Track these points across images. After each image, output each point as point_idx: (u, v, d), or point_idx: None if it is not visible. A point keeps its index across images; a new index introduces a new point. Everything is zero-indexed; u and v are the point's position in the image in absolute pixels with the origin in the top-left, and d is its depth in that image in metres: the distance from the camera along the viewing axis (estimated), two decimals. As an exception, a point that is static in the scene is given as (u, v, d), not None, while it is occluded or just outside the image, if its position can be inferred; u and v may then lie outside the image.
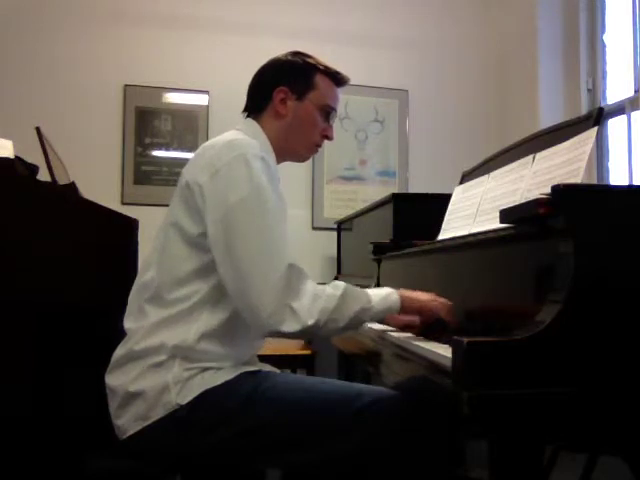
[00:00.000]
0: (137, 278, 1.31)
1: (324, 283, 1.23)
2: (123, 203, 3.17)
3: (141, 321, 1.23)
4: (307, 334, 1.17)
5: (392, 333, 1.45)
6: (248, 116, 1.41)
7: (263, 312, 1.13)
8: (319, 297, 1.17)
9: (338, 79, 1.41)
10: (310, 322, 1.14)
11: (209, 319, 1.21)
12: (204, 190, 1.20)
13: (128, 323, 1.27)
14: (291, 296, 1.14)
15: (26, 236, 1.36)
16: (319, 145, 1.43)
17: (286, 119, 1.37)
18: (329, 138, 1.43)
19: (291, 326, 1.13)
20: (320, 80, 1.38)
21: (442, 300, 1.32)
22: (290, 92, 1.36)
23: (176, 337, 1.19)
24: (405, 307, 1.29)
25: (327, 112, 1.40)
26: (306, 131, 1.39)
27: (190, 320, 1.20)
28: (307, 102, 1.37)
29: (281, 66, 1.39)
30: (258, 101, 1.39)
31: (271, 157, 1.34)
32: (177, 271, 1.22)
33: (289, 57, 1.40)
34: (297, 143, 1.40)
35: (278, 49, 1.45)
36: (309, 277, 1.19)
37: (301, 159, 1.46)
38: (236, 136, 1.28)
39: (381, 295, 1.27)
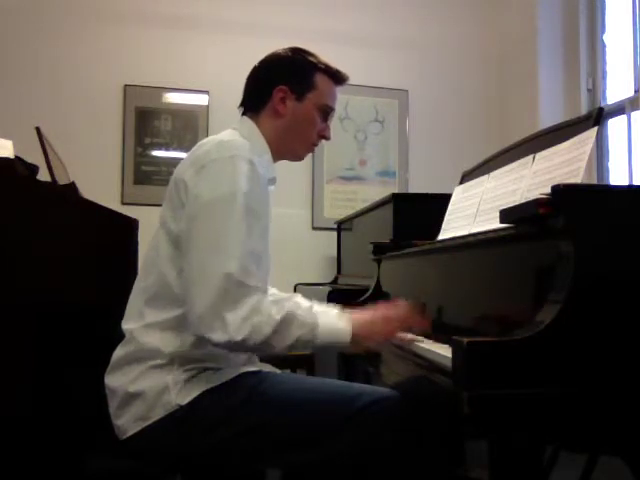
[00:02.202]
0: (137, 281, 1.30)
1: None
2: (123, 203, 3.17)
3: (140, 323, 1.22)
4: (237, 349, 1.14)
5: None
6: (244, 113, 1.39)
7: (194, 314, 1.11)
8: (257, 314, 1.11)
9: (338, 78, 1.39)
10: (238, 338, 1.09)
11: None
12: (188, 185, 1.20)
13: (127, 324, 1.26)
14: (226, 306, 1.10)
15: (26, 236, 1.36)
16: (316, 144, 1.42)
17: (285, 119, 1.35)
18: (326, 138, 1.42)
19: (218, 336, 1.09)
20: (320, 80, 1.36)
21: (393, 325, 1.25)
22: (290, 91, 1.34)
23: (173, 344, 1.18)
24: (355, 343, 1.22)
25: (326, 112, 1.38)
26: (304, 131, 1.38)
27: (185, 326, 1.18)
28: (307, 102, 1.35)
29: (281, 64, 1.37)
30: (257, 98, 1.37)
31: (265, 157, 1.33)
32: (167, 273, 1.21)
33: (289, 54, 1.38)
34: (295, 143, 1.39)
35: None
36: (257, 292, 1.14)
37: (298, 158, 1.44)
38: (230, 137, 1.27)
39: (330, 328, 1.19)
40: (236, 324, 1.09)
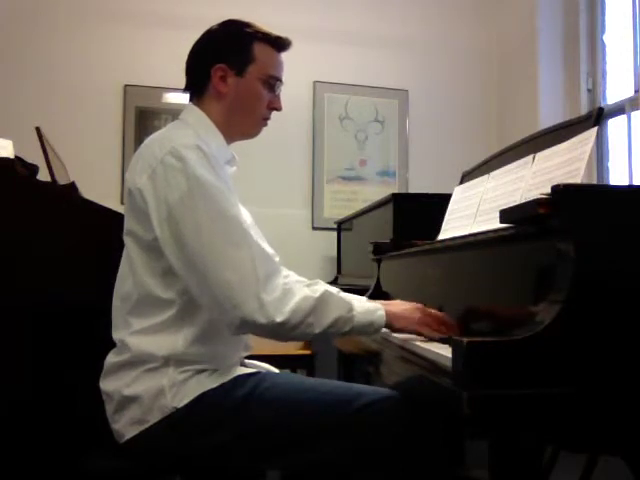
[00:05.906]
0: (116, 287, 1.28)
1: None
2: (123, 203, 3.16)
3: (128, 331, 1.21)
4: (275, 333, 1.11)
5: (392, 333, 1.45)
6: (191, 99, 1.35)
7: (228, 303, 1.08)
8: (292, 295, 1.10)
9: (279, 45, 1.33)
10: (279, 319, 1.08)
11: (193, 323, 1.19)
12: (144, 193, 1.17)
13: (116, 334, 1.24)
14: (260, 287, 1.08)
15: (26, 236, 1.36)
16: (267, 118, 1.36)
17: (229, 98, 1.29)
18: (277, 109, 1.36)
19: (260, 319, 1.07)
20: (259, 50, 1.30)
21: (429, 319, 1.24)
22: (229, 68, 1.28)
23: (165, 347, 1.17)
24: (390, 325, 1.23)
25: (271, 83, 1.32)
26: (252, 107, 1.32)
27: (175, 328, 1.18)
28: (248, 76, 1.29)
29: (215, 40, 1.32)
30: (197, 82, 1.32)
31: (216, 141, 1.29)
32: (146, 279, 1.19)
33: (223, 29, 1.33)
34: (244, 121, 1.34)
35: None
36: (280, 271, 1.14)
37: (251, 136, 1.39)
38: (172, 129, 1.27)
39: (366, 307, 1.20)
40: (274, 305, 1.08)
